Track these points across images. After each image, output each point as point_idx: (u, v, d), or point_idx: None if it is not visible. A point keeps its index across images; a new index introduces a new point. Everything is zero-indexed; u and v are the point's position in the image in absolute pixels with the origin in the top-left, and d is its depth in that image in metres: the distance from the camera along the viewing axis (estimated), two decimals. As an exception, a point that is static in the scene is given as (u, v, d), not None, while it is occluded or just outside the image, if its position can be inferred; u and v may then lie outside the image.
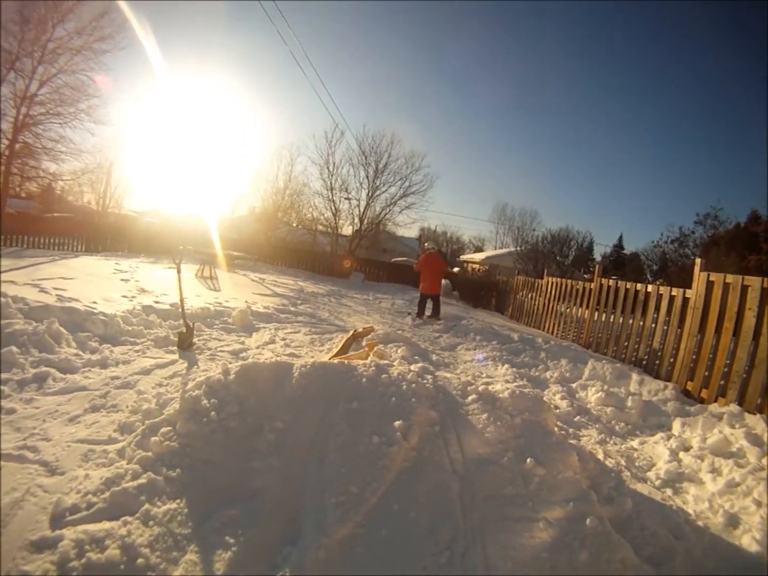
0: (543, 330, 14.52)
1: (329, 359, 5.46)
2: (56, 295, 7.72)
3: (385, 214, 35.42)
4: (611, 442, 5.28)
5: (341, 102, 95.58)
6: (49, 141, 25.98)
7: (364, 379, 3.80)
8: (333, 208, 34.33)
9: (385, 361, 4.52)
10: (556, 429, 4.03)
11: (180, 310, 6.65)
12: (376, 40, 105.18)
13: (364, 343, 7.66)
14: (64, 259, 14.12)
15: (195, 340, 6.74)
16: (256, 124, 71.30)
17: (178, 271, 6.58)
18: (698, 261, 7.84)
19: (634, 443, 5.39)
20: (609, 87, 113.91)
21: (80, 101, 26.14)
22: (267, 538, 2.74)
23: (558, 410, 5.91)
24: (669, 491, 4.23)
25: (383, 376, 3.86)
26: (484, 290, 21.86)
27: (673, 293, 8.35)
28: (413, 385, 3.81)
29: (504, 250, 55.51)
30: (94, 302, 7.68)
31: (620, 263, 55.65)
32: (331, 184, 34.18)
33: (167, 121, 46.60)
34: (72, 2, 24.90)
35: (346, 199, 34.73)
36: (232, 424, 3.40)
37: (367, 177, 34.45)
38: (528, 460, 3.36)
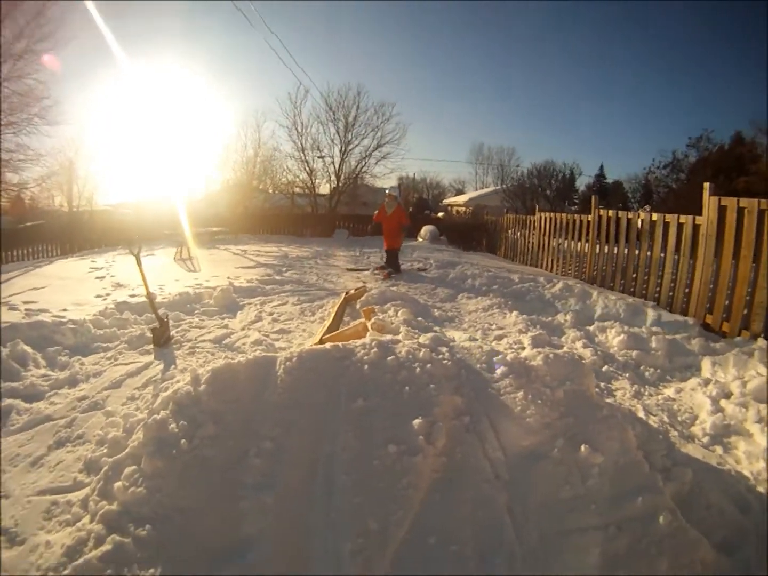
0: (541, 268, 14.20)
1: (320, 339, 4.85)
2: (25, 310, 7.33)
3: (362, 168, 34.65)
4: (646, 393, 4.97)
5: (301, 60, 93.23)
6: (5, 152, 25.17)
7: (366, 366, 3.12)
8: (307, 168, 33.76)
9: (389, 336, 3.84)
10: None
11: (152, 302, 6.14)
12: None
13: (358, 307, 7.22)
14: (37, 268, 13.66)
15: (173, 332, 6.24)
16: (216, 95, 70.07)
17: (138, 263, 6.03)
18: (707, 185, 7.41)
19: (670, 391, 5.01)
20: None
21: (31, 105, 25.29)
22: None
23: (583, 361, 5.39)
24: (719, 449, 3.88)
25: (389, 358, 3.18)
26: (474, 232, 21.41)
27: (682, 221, 7.96)
28: (428, 365, 3.12)
29: (488, 190, 55.56)
30: (64, 309, 7.31)
31: (604, 193, 54.81)
32: (301, 144, 33.52)
33: (126, 109, 45.95)
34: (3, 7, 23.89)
35: (319, 157, 34.13)
36: (208, 452, 2.69)
37: (338, 132, 33.76)
38: (582, 447, 2.77)
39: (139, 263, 6.02)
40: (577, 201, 50.31)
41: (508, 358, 3.51)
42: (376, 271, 12.26)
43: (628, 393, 4.86)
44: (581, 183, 52.29)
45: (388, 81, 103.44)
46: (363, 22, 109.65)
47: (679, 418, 4.39)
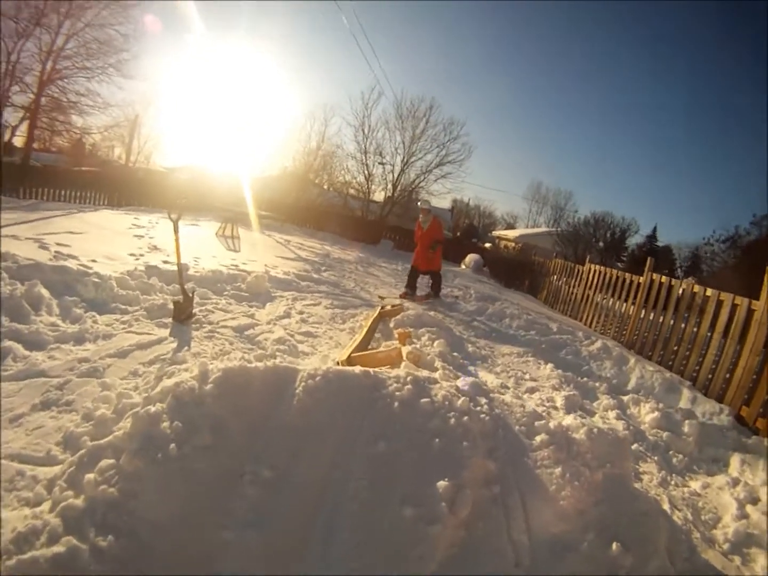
0: (580, 321, 13.68)
1: (348, 356, 4.51)
2: (54, 252, 7.13)
3: (420, 182, 34.09)
4: (673, 483, 4.62)
5: (382, 63, 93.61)
6: (75, 95, 26.35)
7: (396, 404, 2.75)
8: (366, 172, 33.52)
9: (426, 374, 3.45)
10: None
11: (181, 274, 5.92)
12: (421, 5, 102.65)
13: (392, 325, 6.87)
14: (81, 212, 13.71)
15: (196, 310, 5.92)
16: (290, 82, 70.44)
17: (175, 230, 5.77)
18: None
19: (697, 485, 4.67)
20: (658, 66, 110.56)
21: (108, 55, 26.46)
22: None
23: (619, 435, 5.11)
24: (738, 560, 3.58)
25: (424, 400, 2.81)
26: (519, 270, 20.75)
27: (736, 302, 7.36)
28: (465, 418, 2.74)
29: (539, 230, 54.55)
30: (93, 260, 7.06)
31: (653, 255, 53.99)
32: (365, 147, 33.20)
33: (199, 77, 46.52)
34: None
35: (380, 163, 33.81)
36: (198, 465, 2.33)
37: (403, 142, 33.24)
38: (614, 545, 2.50)
39: (176, 230, 5.76)
40: (624, 258, 49.44)
41: (551, 425, 3.17)
42: (415, 298, 10.81)
43: (655, 479, 4.55)
44: (632, 241, 51.53)
45: (461, 96, 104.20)
46: (450, 36, 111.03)
47: (703, 518, 4.10)
